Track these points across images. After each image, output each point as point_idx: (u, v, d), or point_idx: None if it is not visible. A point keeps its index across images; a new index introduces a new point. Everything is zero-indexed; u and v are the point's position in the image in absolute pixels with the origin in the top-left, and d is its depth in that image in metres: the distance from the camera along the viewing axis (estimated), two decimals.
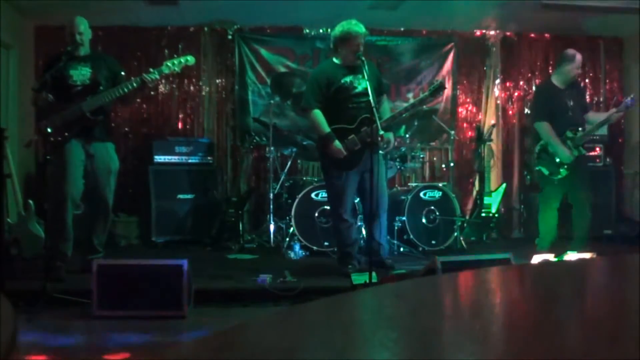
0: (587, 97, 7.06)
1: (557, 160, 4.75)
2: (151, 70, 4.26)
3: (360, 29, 4.22)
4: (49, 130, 4.11)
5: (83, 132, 4.23)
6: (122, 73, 4.53)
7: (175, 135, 6.42)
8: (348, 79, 4.26)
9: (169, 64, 4.30)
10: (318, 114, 4.27)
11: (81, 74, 4.28)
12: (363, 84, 4.17)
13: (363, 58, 4.11)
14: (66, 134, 4.16)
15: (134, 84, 4.20)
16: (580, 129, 4.78)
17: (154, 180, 5.90)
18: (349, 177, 4.27)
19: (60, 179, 4.19)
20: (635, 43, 6.69)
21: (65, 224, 4.20)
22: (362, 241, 5.03)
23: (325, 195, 5.16)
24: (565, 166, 4.74)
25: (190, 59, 4.37)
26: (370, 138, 4.06)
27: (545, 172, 4.85)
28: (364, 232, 5.16)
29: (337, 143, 4.18)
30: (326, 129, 4.23)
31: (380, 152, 4.40)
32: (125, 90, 4.20)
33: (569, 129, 4.77)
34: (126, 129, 6.47)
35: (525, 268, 1.97)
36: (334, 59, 4.38)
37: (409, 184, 5.92)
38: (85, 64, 4.32)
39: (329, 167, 4.37)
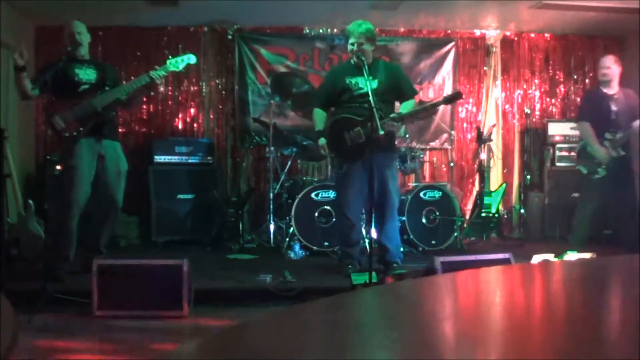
0: None
1: (596, 160, 4.85)
2: (156, 67, 4.30)
3: (356, 27, 4.23)
4: (61, 124, 4.11)
5: (94, 129, 4.23)
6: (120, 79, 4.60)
7: (175, 135, 6.42)
8: (354, 79, 4.28)
9: (172, 62, 4.33)
10: (317, 113, 4.46)
11: (86, 73, 4.28)
12: (372, 85, 4.12)
13: (363, 58, 4.10)
14: (81, 129, 4.15)
15: (142, 81, 4.22)
16: (619, 131, 4.83)
17: (154, 180, 5.90)
18: (351, 171, 4.29)
19: (68, 184, 4.17)
20: (635, 43, 6.68)
21: (70, 229, 4.19)
22: (363, 242, 5.03)
23: (325, 195, 5.18)
24: (604, 166, 4.83)
25: (193, 58, 4.40)
26: (374, 134, 4.07)
27: (584, 171, 4.96)
28: (363, 232, 5.16)
29: (321, 140, 4.36)
30: (317, 126, 4.43)
31: (396, 156, 4.43)
32: (135, 86, 4.23)
33: (609, 131, 4.86)
34: (126, 129, 6.46)
35: (525, 268, 1.97)
36: (351, 59, 4.41)
37: (409, 184, 5.92)
38: (89, 65, 4.33)
39: (333, 160, 4.48)
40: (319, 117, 4.45)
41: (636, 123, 4.81)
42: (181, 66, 4.36)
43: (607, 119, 4.90)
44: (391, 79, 4.33)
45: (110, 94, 4.22)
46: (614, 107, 4.92)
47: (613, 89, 4.98)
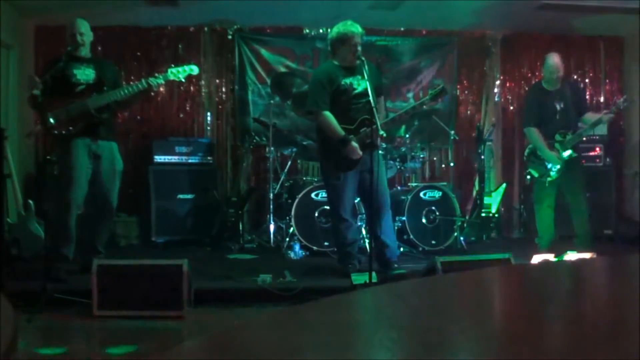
0: (587, 96, 7.06)
1: (547, 163, 4.88)
2: (156, 75, 4.31)
3: (357, 29, 4.22)
4: (52, 121, 4.12)
5: (88, 129, 4.23)
6: (121, 76, 4.58)
7: (175, 135, 6.42)
8: (347, 80, 4.26)
9: (173, 71, 4.33)
10: (329, 116, 4.22)
11: (85, 74, 4.28)
12: (362, 84, 4.18)
13: (363, 58, 4.10)
14: (70, 128, 4.16)
15: (140, 87, 4.22)
16: (570, 131, 4.84)
17: (154, 180, 5.90)
18: (347, 177, 4.27)
19: (66, 183, 4.18)
20: (635, 43, 6.68)
21: (69, 228, 4.20)
22: (362, 241, 5.03)
23: (326, 195, 5.17)
24: (556, 168, 4.85)
25: (195, 69, 4.40)
26: (369, 139, 4.08)
27: (536, 174, 5.01)
28: (364, 232, 5.16)
29: (354, 143, 4.15)
30: (340, 131, 4.18)
31: (380, 152, 4.40)
32: (131, 91, 4.21)
33: (558, 132, 4.88)
34: (126, 129, 6.46)
35: (525, 268, 1.97)
36: (333, 61, 4.38)
37: (409, 184, 5.92)
38: (88, 65, 4.32)
39: (328, 168, 4.38)
40: (334, 119, 4.21)
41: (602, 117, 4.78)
42: (182, 76, 4.37)
43: (552, 119, 4.89)
44: (375, 77, 4.35)
45: (106, 96, 4.21)
46: (558, 106, 4.89)
47: (556, 86, 4.93)
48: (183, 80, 4.45)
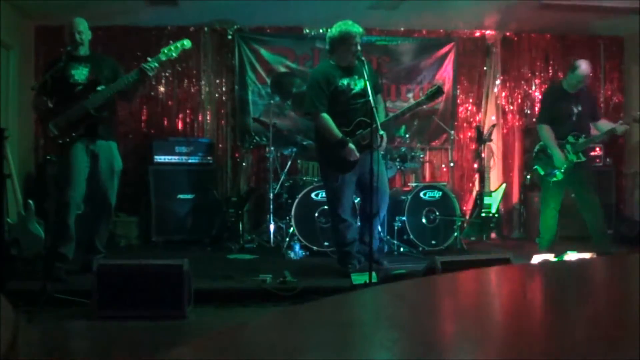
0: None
1: (554, 163, 4.86)
2: (149, 59, 4.21)
3: (357, 29, 4.21)
4: (54, 132, 4.13)
5: (88, 130, 4.22)
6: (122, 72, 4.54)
7: (175, 135, 6.42)
8: (345, 80, 4.25)
9: (165, 50, 4.21)
10: (327, 118, 4.23)
11: (82, 74, 4.27)
12: (360, 84, 4.19)
13: (363, 58, 4.10)
14: (73, 134, 4.16)
15: (134, 76, 4.17)
16: (583, 135, 4.84)
17: (154, 180, 5.90)
18: (346, 178, 4.28)
19: (65, 183, 4.18)
20: (635, 43, 6.68)
21: (68, 227, 4.20)
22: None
23: (325, 195, 5.17)
24: (562, 169, 4.83)
25: (187, 43, 4.27)
26: (365, 140, 4.08)
27: (541, 172, 5.02)
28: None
29: (351, 145, 4.16)
30: (338, 132, 4.19)
31: (380, 152, 4.41)
32: (126, 82, 4.18)
33: (571, 134, 4.87)
34: (126, 129, 6.46)
35: (525, 268, 1.97)
36: (330, 61, 4.37)
37: (409, 184, 5.92)
38: (86, 64, 4.30)
39: (326, 170, 4.39)
40: (331, 121, 4.21)
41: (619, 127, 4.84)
42: (175, 53, 4.23)
43: (568, 120, 4.89)
44: (373, 76, 4.34)
45: (102, 93, 4.19)
46: (575, 109, 4.89)
47: (576, 89, 4.92)
48: (176, 56, 4.33)
